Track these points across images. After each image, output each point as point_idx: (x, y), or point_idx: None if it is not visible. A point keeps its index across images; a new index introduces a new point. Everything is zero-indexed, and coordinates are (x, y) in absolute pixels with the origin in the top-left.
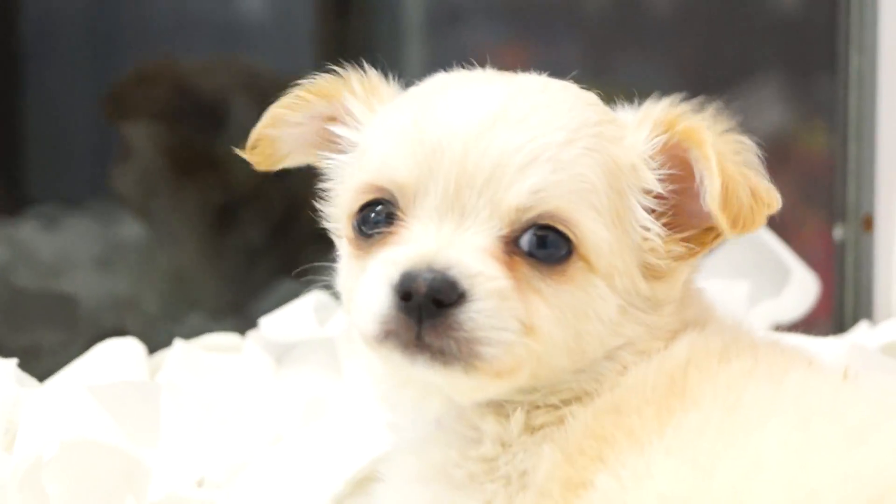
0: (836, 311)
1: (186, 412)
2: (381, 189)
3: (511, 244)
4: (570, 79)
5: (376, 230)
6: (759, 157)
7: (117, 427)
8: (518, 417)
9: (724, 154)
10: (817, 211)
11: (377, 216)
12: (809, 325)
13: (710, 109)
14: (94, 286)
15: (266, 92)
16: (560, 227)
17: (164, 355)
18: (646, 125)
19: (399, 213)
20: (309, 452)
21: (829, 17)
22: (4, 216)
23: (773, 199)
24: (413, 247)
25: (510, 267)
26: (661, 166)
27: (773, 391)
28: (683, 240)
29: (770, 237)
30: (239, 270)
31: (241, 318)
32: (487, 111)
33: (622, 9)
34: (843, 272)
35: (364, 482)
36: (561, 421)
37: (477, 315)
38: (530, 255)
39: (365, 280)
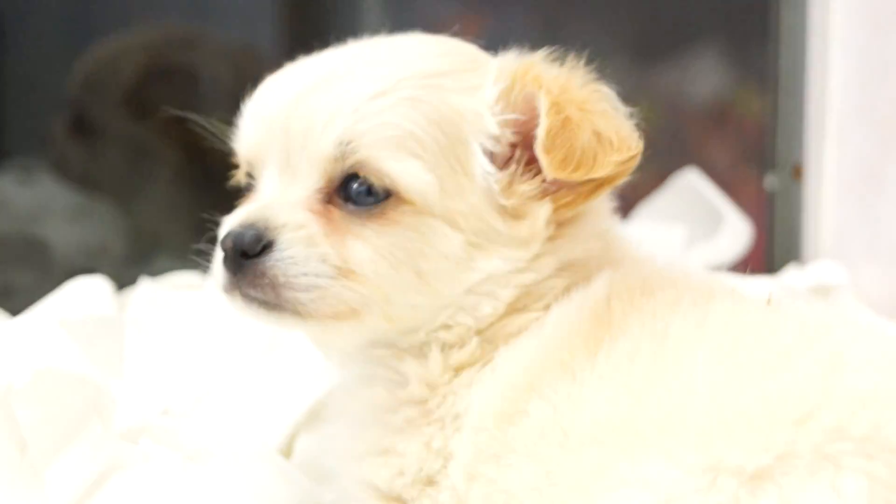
0: (767, 255)
1: (152, 345)
2: (245, 162)
3: (332, 194)
4: (523, 47)
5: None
6: (619, 104)
7: (86, 358)
8: (435, 356)
9: (570, 100)
10: (751, 164)
11: (248, 183)
12: (742, 267)
13: (570, 60)
14: (66, 233)
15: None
16: (370, 175)
17: (132, 293)
18: (499, 74)
19: (254, 179)
20: (268, 383)
21: None
22: None
23: (626, 144)
24: (245, 207)
25: (326, 216)
26: (507, 112)
27: (700, 319)
28: (553, 185)
29: (705, 185)
30: (204, 218)
31: (205, 260)
32: (312, 79)
33: None
34: (774, 218)
35: (317, 414)
36: (484, 362)
37: (279, 262)
38: (348, 201)
39: None
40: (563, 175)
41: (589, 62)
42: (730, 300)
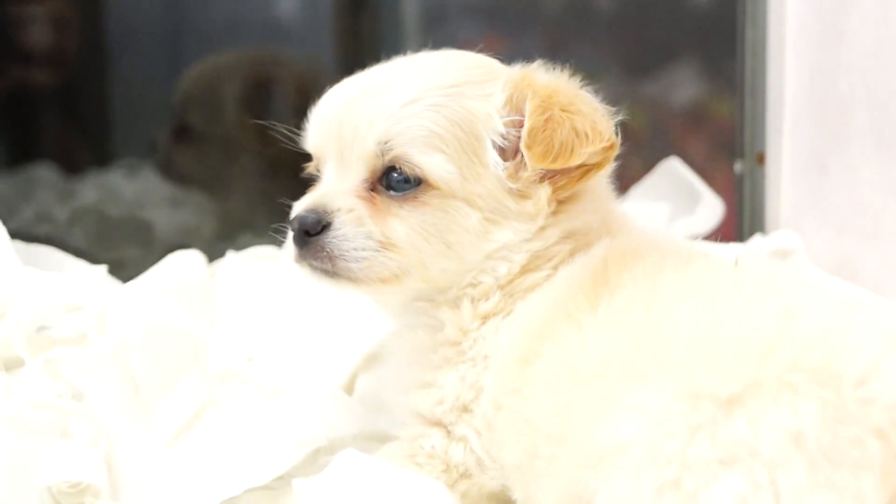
0: (737, 226)
1: (237, 305)
2: (313, 157)
3: (375, 183)
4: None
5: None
6: (602, 103)
7: (185, 316)
8: (466, 306)
9: (555, 102)
10: (723, 153)
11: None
12: (716, 236)
13: (562, 69)
14: (166, 217)
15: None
16: (404, 167)
17: (220, 264)
18: (506, 83)
19: (319, 172)
20: (333, 333)
21: (733, 5)
22: (97, 166)
23: (599, 136)
24: (309, 195)
25: (371, 201)
26: (511, 114)
27: (682, 277)
28: (551, 171)
29: (685, 171)
30: (281, 203)
31: (281, 237)
32: (358, 90)
33: (573, 8)
34: (742, 197)
35: (373, 358)
36: (506, 312)
37: (335, 238)
38: (389, 188)
39: None
40: (543, 165)
41: (588, 75)
42: (704, 262)
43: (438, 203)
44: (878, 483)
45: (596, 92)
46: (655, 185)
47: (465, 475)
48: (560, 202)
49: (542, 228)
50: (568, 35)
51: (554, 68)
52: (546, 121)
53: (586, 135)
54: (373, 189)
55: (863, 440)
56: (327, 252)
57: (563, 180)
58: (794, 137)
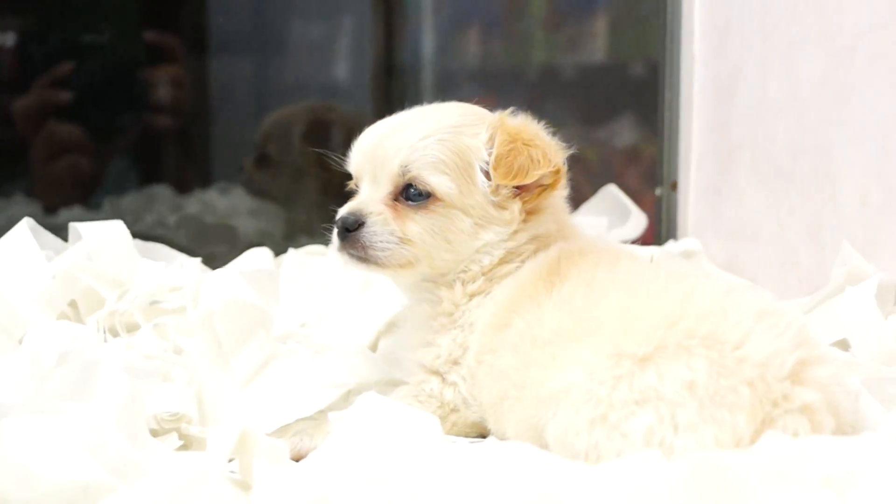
0: (656, 234)
1: (294, 286)
2: (354, 176)
3: (398, 195)
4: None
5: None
6: (553, 138)
7: (256, 294)
8: (458, 286)
9: (520, 138)
10: (648, 182)
11: (354, 189)
12: (641, 241)
13: (523, 114)
14: (247, 223)
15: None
16: (418, 185)
17: (284, 257)
18: (488, 126)
19: (357, 187)
20: (363, 307)
21: (656, 77)
22: (200, 187)
23: (548, 162)
24: (349, 203)
25: (394, 208)
26: (491, 148)
27: (612, 271)
28: (519, 189)
29: (620, 193)
30: (330, 211)
31: (328, 234)
32: (387, 128)
33: (545, 76)
34: (660, 213)
35: (391, 325)
36: (486, 292)
37: (367, 233)
38: (408, 199)
39: None
40: (504, 182)
41: (554, 124)
42: (629, 260)
43: (442, 211)
44: (748, 418)
45: (556, 134)
46: (598, 203)
47: (454, 410)
48: (529, 213)
49: (515, 232)
50: (542, 96)
51: (521, 114)
52: (509, 150)
53: (538, 161)
54: (396, 200)
55: (737, 388)
56: (361, 243)
57: (528, 196)
58: (698, 171)
